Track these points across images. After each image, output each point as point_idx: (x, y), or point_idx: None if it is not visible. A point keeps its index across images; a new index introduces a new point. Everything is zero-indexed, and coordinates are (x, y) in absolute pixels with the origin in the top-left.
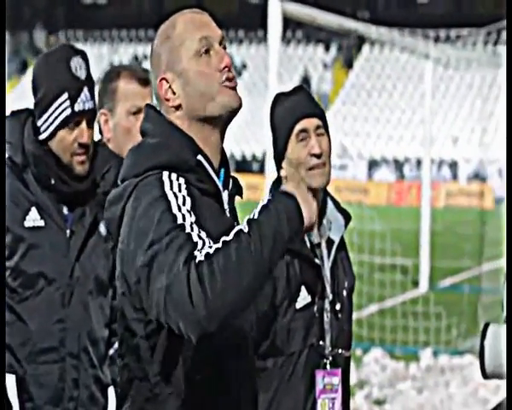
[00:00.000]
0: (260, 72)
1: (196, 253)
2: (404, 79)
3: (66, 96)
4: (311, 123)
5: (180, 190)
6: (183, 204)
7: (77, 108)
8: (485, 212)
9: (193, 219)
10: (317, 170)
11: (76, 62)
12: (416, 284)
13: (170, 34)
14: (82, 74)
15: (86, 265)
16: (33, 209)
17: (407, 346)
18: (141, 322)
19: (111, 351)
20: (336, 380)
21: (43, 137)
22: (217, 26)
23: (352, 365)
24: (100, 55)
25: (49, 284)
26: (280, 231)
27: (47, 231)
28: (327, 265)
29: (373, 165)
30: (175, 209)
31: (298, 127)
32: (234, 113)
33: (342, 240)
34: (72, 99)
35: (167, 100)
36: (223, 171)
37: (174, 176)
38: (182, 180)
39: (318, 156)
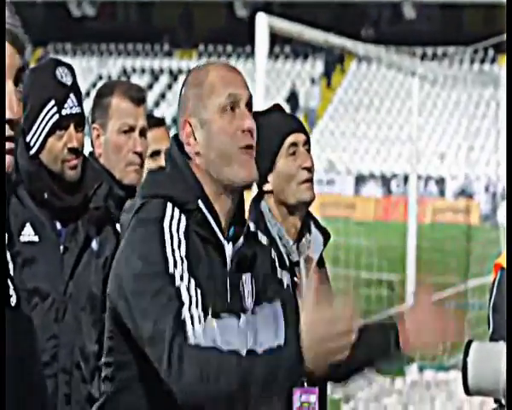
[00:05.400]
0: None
1: (188, 325)
2: (392, 95)
3: (52, 102)
4: (300, 137)
5: (178, 230)
6: (178, 247)
7: (64, 112)
8: (472, 228)
9: (185, 266)
10: (307, 184)
11: (61, 71)
12: (402, 299)
13: (201, 81)
14: (68, 81)
15: (80, 281)
16: (28, 225)
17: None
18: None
19: (101, 363)
20: (313, 398)
21: (33, 151)
22: (247, 86)
23: None
24: (89, 69)
25: (44, 299)
26: (274, 388)
27: (41, 247)
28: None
29: (360, 180)
30: (169, 250)
31: (289, 141)
32: (248, 186)
33: (321, 258)
34: (59, 105)
35: (188, 144)
36: (232, 228)
37: (177, 212)
38: (183, 218)
39: (309, 170)
